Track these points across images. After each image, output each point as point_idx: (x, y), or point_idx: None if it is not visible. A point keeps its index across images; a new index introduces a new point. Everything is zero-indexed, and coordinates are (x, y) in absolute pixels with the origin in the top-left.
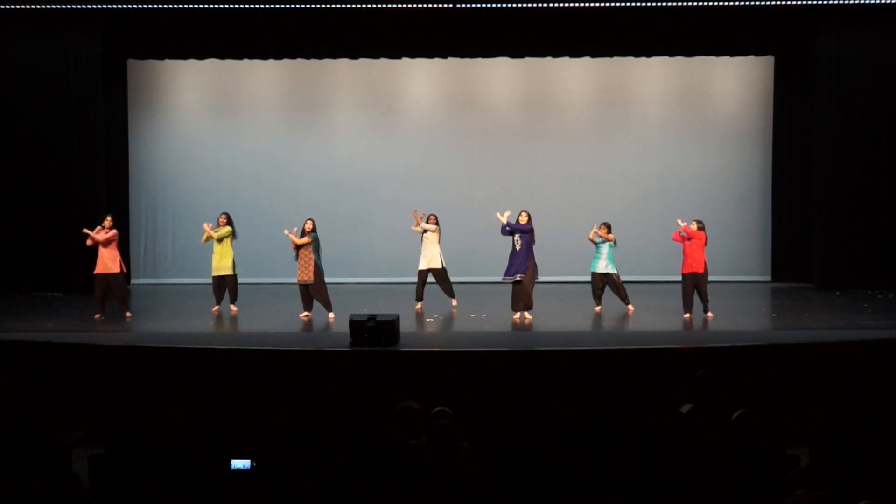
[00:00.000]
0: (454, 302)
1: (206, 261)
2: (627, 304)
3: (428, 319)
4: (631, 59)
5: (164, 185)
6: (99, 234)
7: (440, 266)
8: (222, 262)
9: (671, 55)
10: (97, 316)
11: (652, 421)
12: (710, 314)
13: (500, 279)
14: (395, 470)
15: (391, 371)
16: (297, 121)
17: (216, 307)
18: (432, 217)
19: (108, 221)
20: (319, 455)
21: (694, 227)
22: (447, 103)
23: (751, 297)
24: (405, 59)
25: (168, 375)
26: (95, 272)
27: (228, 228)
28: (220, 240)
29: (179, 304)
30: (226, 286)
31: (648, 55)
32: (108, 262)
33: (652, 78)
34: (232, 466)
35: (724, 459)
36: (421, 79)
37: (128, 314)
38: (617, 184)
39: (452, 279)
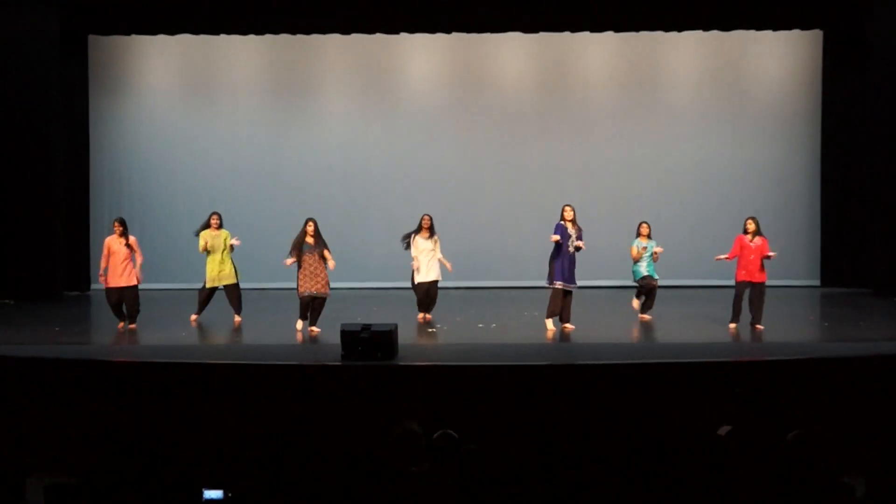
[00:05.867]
0: (429, 317)
1: (176, 264)
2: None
3: (430, 330)
4: (660, 33)
5: (130, 178)
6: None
7: (440, 277)
8: (225, 269)
9: (705, 29)
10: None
11: (685, 444)
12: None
13: (508, 283)
14: (392, 500)
15: (388, 388)
16: (282, 105)
17: (196, 316)
18: (427, 218)
19: (118, 228)
20: (305, 484)
21: (750, 237)
22: (452, 84)
23: (798, 303)
24: (404, 35)
25: (134, 393)
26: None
27: (226, 233)
28: (216, 243)
29: (147, 314)
30: (230, 297)
31: (680, 29)
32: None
33: (684, 56)
34: (204, 497)
35: (769, 487)
36: (422, 57)
37: (132, 325)
38: (643, 176)
39: (458, 283)
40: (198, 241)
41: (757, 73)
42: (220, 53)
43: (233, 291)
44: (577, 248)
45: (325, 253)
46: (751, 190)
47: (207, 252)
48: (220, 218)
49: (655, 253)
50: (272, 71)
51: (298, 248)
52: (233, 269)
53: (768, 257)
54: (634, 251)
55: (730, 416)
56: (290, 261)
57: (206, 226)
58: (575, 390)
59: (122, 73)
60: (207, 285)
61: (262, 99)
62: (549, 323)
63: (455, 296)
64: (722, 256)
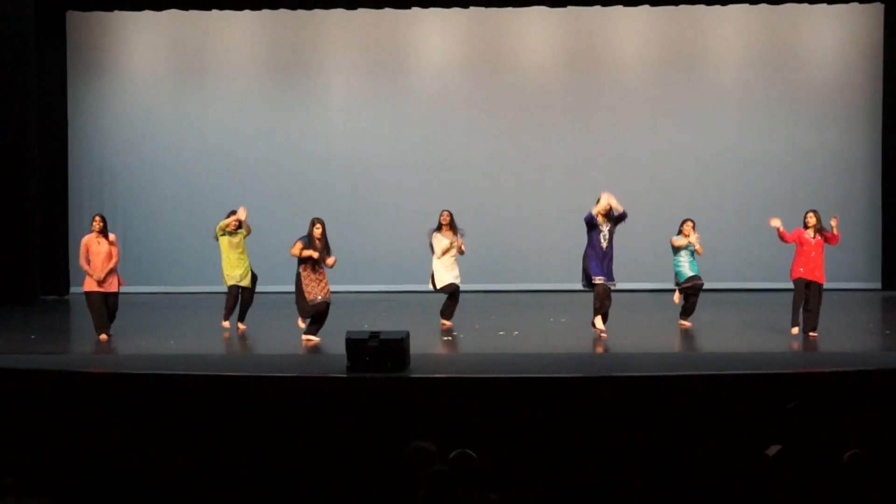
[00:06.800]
0: (449, 324)
1: (163, 265)
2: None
3: (446, 338)
4: (701, 7)
5: (113, 169)
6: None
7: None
8: (245, 269)
9: (752, 2)
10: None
11: (730, 465)
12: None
13: (532, 286)
14: None
15: (399, 403)
16: (281, 89)
17: (227, 322)
18: (446, 214)
19: (98, 223)
20: None
21: (811, 232)
22: (469, 65)
23: (857, 308)
24: (415, 10)
25: (117, 408)
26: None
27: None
28: (236, 241)
29: (133, 320)
30: (246, 300)
31: (724, 2)
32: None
33: (728, 32)
34: None
35: None
36: (436, 34)
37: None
38: (683, 166)
39: (476, 286)
40: (219, 240)
41: (810, 51)
42: (212, 31)
43: (249, 295)
44: (620, 216)
45: (329, 261)
46: (803, 181)
47: (221, 235)
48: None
49: (696, 244)
50: (269, 51)
51: (312, 246)
52: (250, 272)
53: (828, 235)
54: (676, 241)
55: (779, 434)
56: (314, 254)
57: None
58: (608, 406)
59: (104, 54)
60: (228, 283)
61: (259, 82)
62: (599, 321)
63: (473, 301)
64: (777, 223)
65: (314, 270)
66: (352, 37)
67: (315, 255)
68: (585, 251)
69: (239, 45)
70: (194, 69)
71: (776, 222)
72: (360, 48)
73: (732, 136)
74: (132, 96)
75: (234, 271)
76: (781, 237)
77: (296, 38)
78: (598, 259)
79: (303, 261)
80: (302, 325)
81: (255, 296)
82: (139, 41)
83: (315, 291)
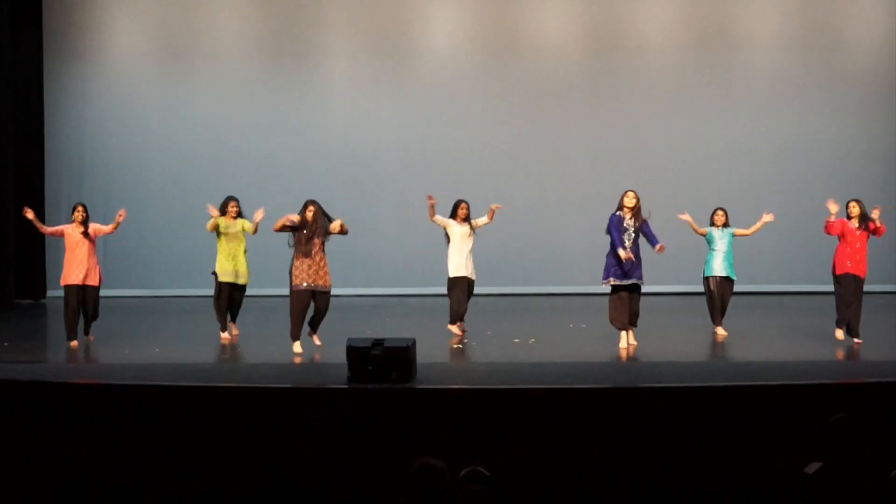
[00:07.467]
0: (462, 327)
1: (147, 267)
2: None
3: (455, 346)
4: None
5: (93, 163)
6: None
7: (474, 277)
8: (241, 265)
9: None
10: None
11: (767, 484)
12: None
13: (549, 289)
14: None
15: (405, 416)
16: (276, 75)
17: (226, 333)
18: (464, 207)
19: (80, 214)
20: None
21: (856, 222)
22: (481, 49)
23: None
24: None
25: (98, 422)
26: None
27: (244, 222)
28: (232, 233)
29: (114, 326)
30: (235, 300)
31: None
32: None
33: (762, 11)
34: None
35: None
36: (444, 15)
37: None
38: (714, 157)
39: (489, 289)
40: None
41: (850, 31)
42: (202, 12)
43: (240, 295)
44: (659, 249)
45: (333, 226)
46: (843, 173)
47: (217, 233)
48: (238, 205)
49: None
50: (265, 33)
51: (293, 225)
52: (247, 270)
53: (873, 226)
54: (696, 226)
55: (820, 450)
56: (291, 219)
57: (223, 214)
58: (632, 419)
59: (84, 37)
60: (220, 279)
61: (254, 67)
62: (623, 337)
63: (485, 305)
64: (834, 207)
65: (307, 255)
66: (354, 18)
67: (294, 219)
68: (609, 251)
69: (232, 27)
70: (183, 53)
71: (834, 207)
72: (364, 30)
73: (766, 123)
74: (115, 83)
75: (225, 265)
76: (828, 228)
77: (293, 19)
78: (617, 258)
79: (296, 244)
80: (297, 351)
81: (249, 300)
82: (122, 22)
83: (303, 277)
